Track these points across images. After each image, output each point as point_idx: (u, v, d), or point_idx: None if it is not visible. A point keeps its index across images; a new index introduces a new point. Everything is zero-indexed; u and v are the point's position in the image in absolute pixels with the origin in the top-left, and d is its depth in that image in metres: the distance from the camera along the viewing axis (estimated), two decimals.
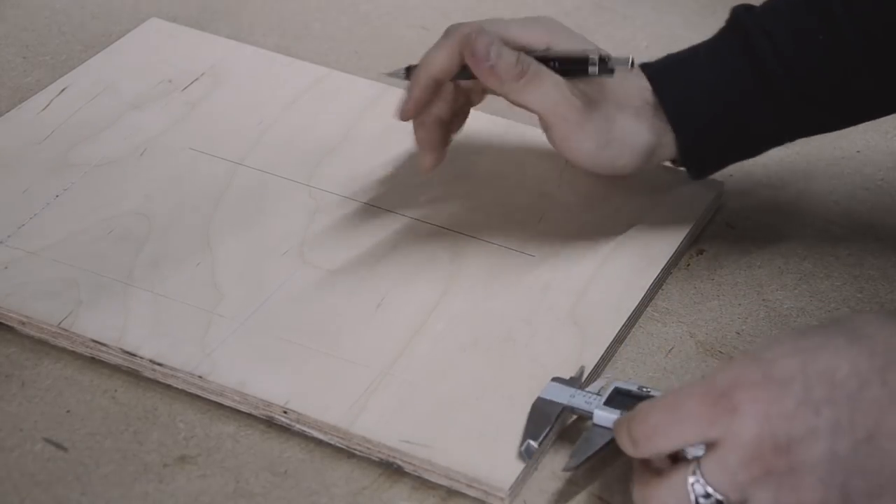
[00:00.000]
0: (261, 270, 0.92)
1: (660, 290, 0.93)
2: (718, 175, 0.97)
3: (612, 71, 0.89)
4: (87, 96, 1.06)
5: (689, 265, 0.95)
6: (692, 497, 0.72)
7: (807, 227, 0.98)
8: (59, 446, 0.82)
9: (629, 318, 0.90)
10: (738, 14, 0.93)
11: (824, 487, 0.71)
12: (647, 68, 0.93)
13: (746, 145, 0.94)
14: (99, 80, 1.08)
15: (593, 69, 0.89)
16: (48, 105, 1.06)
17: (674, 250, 0.94)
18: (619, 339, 0.88)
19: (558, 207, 0.97)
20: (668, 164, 0.95)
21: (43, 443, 0.82)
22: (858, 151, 1.05)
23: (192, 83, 1.08)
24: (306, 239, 0.94)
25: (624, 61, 0.89)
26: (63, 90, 1.07)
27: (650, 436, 0.73)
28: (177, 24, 1.15)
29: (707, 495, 0.72)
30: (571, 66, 0.89)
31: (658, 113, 0.92)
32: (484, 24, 0.90)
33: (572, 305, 0.90)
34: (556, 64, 0.89)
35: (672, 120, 0.92)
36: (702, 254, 0.96)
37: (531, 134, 1.03)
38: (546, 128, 0.91)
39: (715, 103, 0.91)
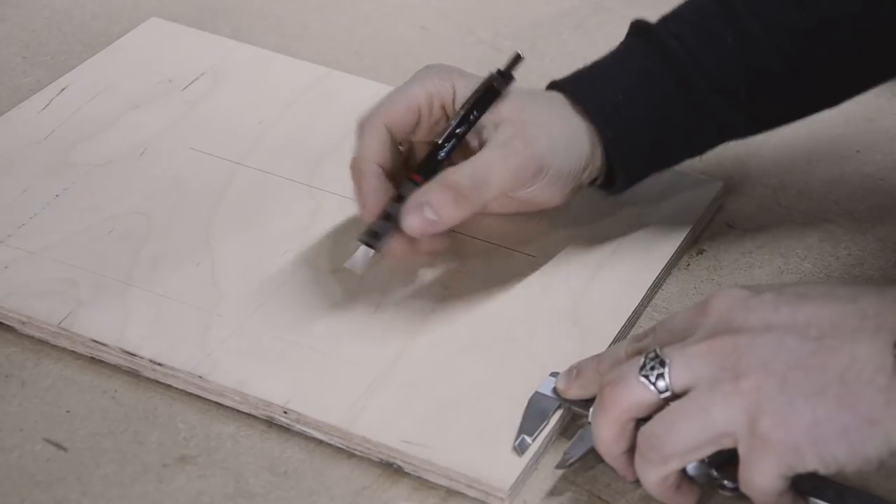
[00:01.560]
0: (261, 270, 0.92)
1: (660, 290, 0.93)
2: (719, 175, 0.97)
3: (512, 77, 0.89)
4: (87, 96, 1.06)
5: (689, 265, 0.95)
6: (639, 364, 0.75)
7: (807, 227, 0.98)
8: (59, 446, 0.82)
9: (629, 318, 0.90)
10: (640, 23, 0.92)
11: (764, 373, 0.72)
12: (557, 84, 0.91)
13: (670, 148, 0.93)
14: (99, 80, 1.08)
15: (500, 84, 0.88)
16: (48, 105, 1.06)
17: (674, 250, 0.94)
18: (618, 339, 0.88)
19: (558, 207, 0.96)
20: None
21: (43, 443, 0.82)
22: (858, 151, 1.05)
23: (192, 83, 1.08)
24: (306, 239, 0.95)
25: (516, 58, 0.89)
26: (63, 90, 1.07)
27: (641, 337, 0.80)
28: (177, 24, 1.15)
29: (655, 362, 0.75)
30: (485, 105, 0.88)
31: (580, 127, 0.89)
32: (367, 129, 0.88)
33: (572, 305, 0.90)
34: (474, 115, 0.88)
35: (597, 124, 0.89)
36: (702, 254, 0.96)
37: None
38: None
39: (636, 104, 0.90)
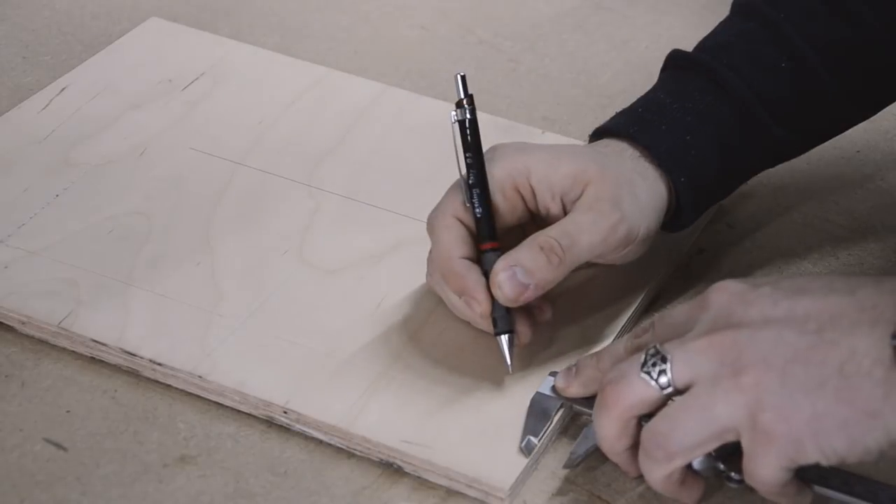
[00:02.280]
0: (261, 270, 0.92)
1: (660, 291, 0.93)
2: None
3: (470, 97, 0.85)
4: (87, 96, 1.06)
5: (689, 265, 0.95)
6: (640, 361, 0.75)
7: (807, 227, 0.98)
8: (59, 446, 0.82)
9: (629, 319, 0.90)
10: (688, 56, 0.91)
11: (764, 368, 0.72)
12: (616, 129, 0.89)
13: (732, 180, 0.93)
14: (99, 80, 1.08)
15: (465, 113, 0.85)
16: (48, 105, 1.06)
17: (674, 251, 0.94)
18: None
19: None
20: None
21: (43, 443, 0.82)
22: (858, 151, 1.05)
23: (192, 83, 1.08)
24: (306, 239, 0.94)
25: (461, 80, 0.85)
26: (63, 90, 1.07)
27: (640, 333, 0.79)
28: (177, 24, 1.15)
29: (656, 358, 0.75)
30: (471, 143, 0.85)
31: (656, 180, 0.87)
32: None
33: (572, 305, 0.90)
34: (469, 158, 0.85)
35: (670, 173, 0.88)
36: (702, 254, 0.96)
37: (532, 134, 1.03)
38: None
39: (702, 144, 0.89)
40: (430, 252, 0.86)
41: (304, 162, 1.01)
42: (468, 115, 0.86)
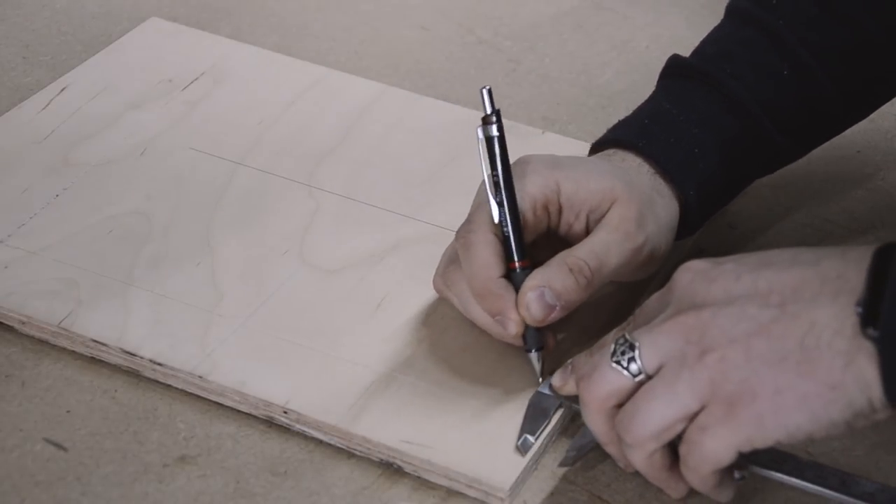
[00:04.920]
0: (261, 270, 0.92)
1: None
2: None
3: (497, 111, 0.84)
4: (87, 96, 1.06)
5: None
6: (610, 351, 0.75)
7: (807, 227, 0.98)
8: (59, 446, 0.82)
9: (629, 318, 0.89)
10: (692, 65, 0.91)
11: (728, 344, 0.72)
12: (624, 140, 0.89)
13: (735, 187, 0.93)
14: (99, 80, 1.08)
15: (491, 129, 0.84)
16: (48, 105, 1.06)
17: (674, 251, 0.94)
18: None
19: None
20: None
21: (43, 443, 0.82)
22: (858, 151, 1.05)
23: (192, 83, 1.08)
24: (306, 239, 0.94)
25: (487, 94, 0.84)
26: (63, 90, 1.07)
27: (624, 327, 0.79)
28: (177, 24, 1.15)
29: (624, 346, 0.75)
30: (497, 159, 0.84)
31: (670, 197, 0.88)
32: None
33: None
34: (496, 174, 0.83)
35: (680, 187, 0.88)
36: (702, 254, 0.96)
37: (532, 134, 1.03)
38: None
39: (708, 155, 0.89)
40: (461, 265, 0.84)
41: (304, 162, 1.01)
42: (496, 133, 0.85)
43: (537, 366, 0.84)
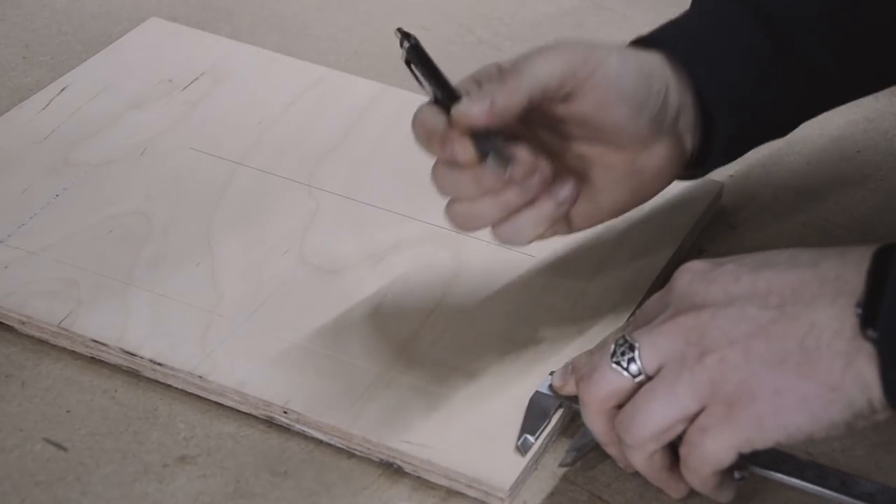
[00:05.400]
0: (261, 270, 0.92)
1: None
2: (718, 175, 0.97)
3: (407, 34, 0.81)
4: (87, 96, 1.06)
5: None
6: (610, 352, 0.75)
7: (807, 227, 0.98)
8: (59, 446, 0.82)
9: (629, 319, 0.89)
10: None
11: (728, 345, 0.72)
12: (661, 42, 0.85)
13: (771, 122, 0.88)
14: (99, 80, 1.08)
15: (411, 43, 0.81)
16: (48, 105, 1.06)
17: (673, 251, 0.94)
18: None
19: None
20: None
21: (43, 443, 0.82)
22: (858, 151, 1.05)
23: (192, 83, 1.08)
24: (306, 239, 0.95)
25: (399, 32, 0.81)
26: (63, 90, 1.07)
27: (625, 327, 0.78)
28: (177, 24, 1.15)
29: (624, 347, 0.75)
30: (427, 69, 0.81)
31: (655, 57, 0.84)
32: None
33: (572, 305, 0.90)
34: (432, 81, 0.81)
35: (681, 56, 0.84)
36: (702, 254, 0.96)
37: None
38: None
39: (723, 48, 0.85)
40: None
41: (303, 162, 1.01)
42: (411, 43, 0.81)
43: (498, 171, 0.78)
